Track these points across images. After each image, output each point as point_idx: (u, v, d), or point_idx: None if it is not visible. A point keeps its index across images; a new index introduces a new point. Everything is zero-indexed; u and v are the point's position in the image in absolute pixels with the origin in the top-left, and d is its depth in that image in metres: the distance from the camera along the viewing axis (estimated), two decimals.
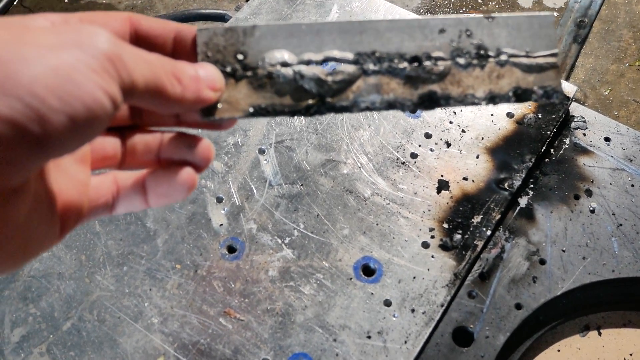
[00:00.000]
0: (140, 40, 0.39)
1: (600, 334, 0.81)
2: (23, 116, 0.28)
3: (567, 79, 1.14)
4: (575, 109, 0.94)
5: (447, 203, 0.84)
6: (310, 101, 0.43)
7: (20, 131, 0.28)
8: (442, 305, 0.76)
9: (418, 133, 0.90)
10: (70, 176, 0.37)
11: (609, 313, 0.82)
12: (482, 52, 0.46)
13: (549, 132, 0.89)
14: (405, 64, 0.44)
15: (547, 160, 0.89)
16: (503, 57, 0.47)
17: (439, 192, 0.85)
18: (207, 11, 1.22)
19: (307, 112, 0.43)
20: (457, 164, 0.87)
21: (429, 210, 0.83)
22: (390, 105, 0.44)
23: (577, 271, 0.79)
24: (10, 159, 0.28)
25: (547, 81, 0.48)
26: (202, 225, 0.83)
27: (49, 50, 0.29)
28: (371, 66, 0.44)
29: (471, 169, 0.87)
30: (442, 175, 0.86)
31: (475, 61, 0.46)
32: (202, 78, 0.38)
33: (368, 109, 0.44)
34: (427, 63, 0.45)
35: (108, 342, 0.74)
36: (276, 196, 0.85)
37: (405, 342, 0.73)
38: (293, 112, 0.43)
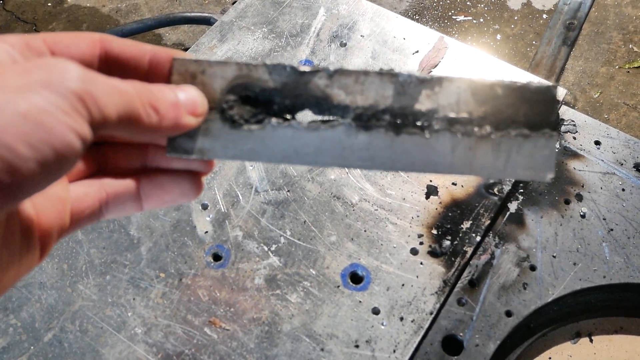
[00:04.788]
0: (111, 62, 0.37)
1: (591, 340, 0.80)
2: None
3: (556, 81, 1.13)
4: (565, 112, 0.93)
5: (436, 209, 0.83)
6: None
7: None
8: (431, 313, 0.75)
9: None
10: (47, 196, 0.36)
11: (600, 319, 0.81)
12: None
13: None
14: None
15: None
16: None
17: (427, 197, 0.84)
18: (193, 14, 1.20)
19: None
20: None
21: (418, 216, 0.82)
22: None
23: (568, 277, 0.78)
24: None
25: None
26: (187, 232, 0.81)
27: (16, 94, 0.28)
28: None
29: None
30: (430, 181, 0.85)
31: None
32: (182, 103, 0.37)
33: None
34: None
35: (90, 354, 0.72)
36: (262, 203, 0.83)
37: (394, 351, 0.72)
38: None
